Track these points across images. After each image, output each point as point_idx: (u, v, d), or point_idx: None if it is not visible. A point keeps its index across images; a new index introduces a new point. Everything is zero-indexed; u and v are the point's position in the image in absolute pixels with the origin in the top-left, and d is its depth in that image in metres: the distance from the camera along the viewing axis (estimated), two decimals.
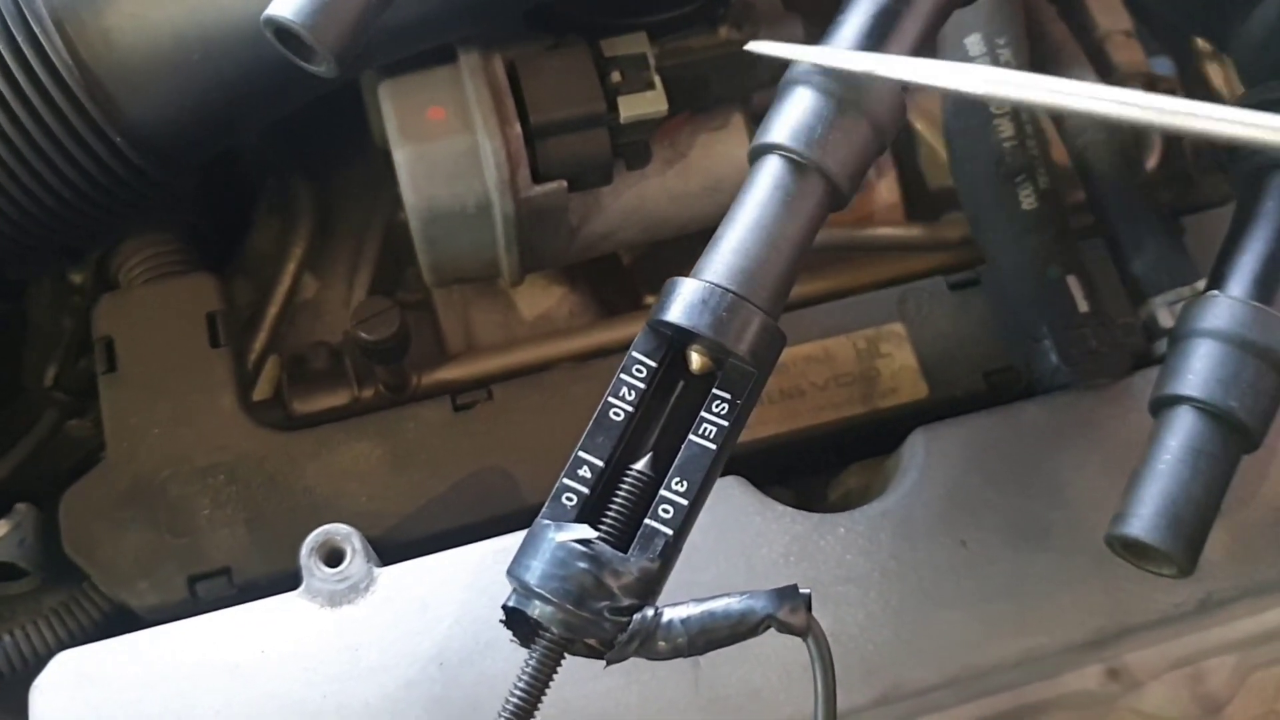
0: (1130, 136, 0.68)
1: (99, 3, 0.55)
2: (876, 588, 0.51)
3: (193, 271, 0.67)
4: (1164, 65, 0.83)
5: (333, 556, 0.52)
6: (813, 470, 0.65)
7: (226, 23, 0.54)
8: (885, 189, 0.78)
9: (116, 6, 0.55)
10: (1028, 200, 0.59)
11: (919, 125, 0.77)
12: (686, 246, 0.76)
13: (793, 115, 0.47)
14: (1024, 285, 0.58)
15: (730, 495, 0.54)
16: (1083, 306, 0.57)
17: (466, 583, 0.51)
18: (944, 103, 0.64)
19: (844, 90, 0.46)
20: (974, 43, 0.63)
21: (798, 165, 0.46)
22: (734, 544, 0.51)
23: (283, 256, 0.73)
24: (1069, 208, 0.63)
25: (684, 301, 0.44)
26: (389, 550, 0.55)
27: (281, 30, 0.45)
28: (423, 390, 0.67)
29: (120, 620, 0.58)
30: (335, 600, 0.51)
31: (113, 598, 0.58)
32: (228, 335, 0.64)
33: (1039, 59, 0.67)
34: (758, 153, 0.47)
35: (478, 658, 0.49)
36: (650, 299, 0.80)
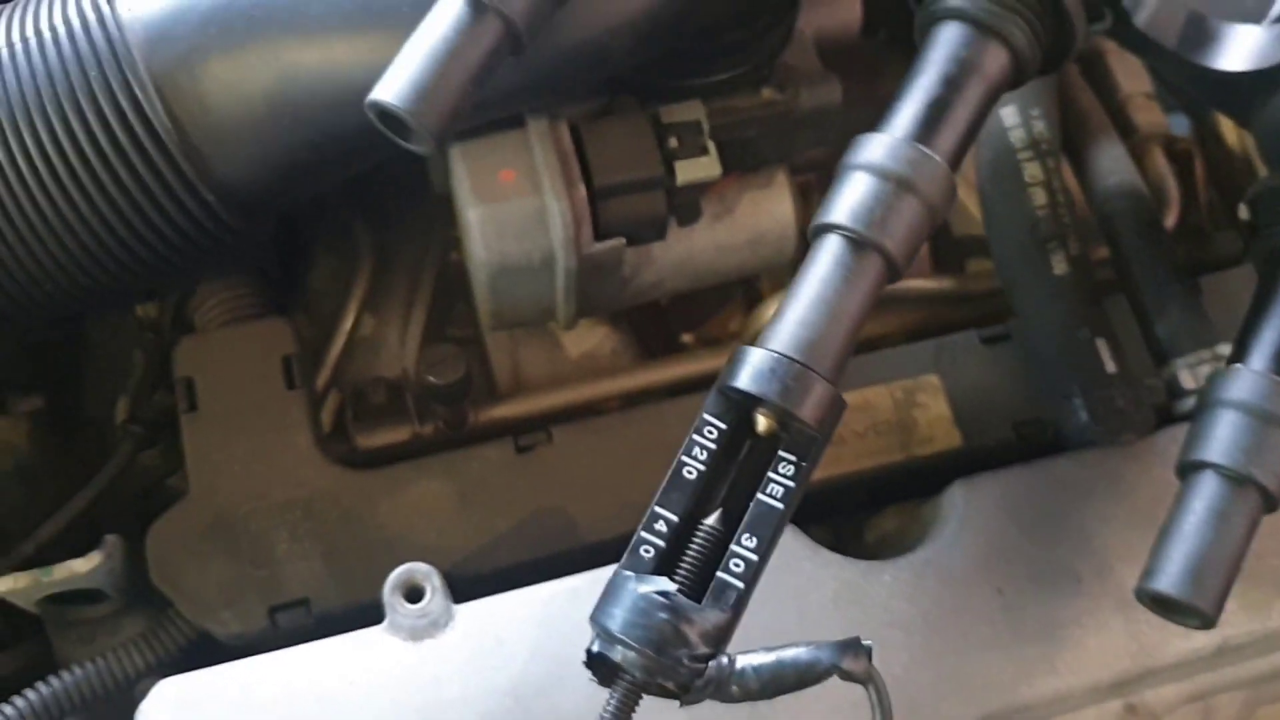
0: (1154, 201, 0.72)
1: (197, 69, 0.58)
2: (920, 632, 0.55)
3: (266, 315, 0.71)
4: (1180, 124, 0.87)
5: (414, 593, 0.56)
6: (850, 513, 0.69)
7: (317, 92, 0.58)
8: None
9: (213, 73, 0.59)
10: (1059, 266, 0.63)
11: None
12: (718, 288, 0.81)
13: (852, 196, 0.51)
14: (1055, 346, 0.62)
15: (782, 542, 0.58)
16: (1110, 368, 0.61)
17: (539, 620, 0.55)
18: (977, 164, 0.68)
19: (899, 173, 0.50)
20: (1009, 114, 0.67)
21: (857, 244, 0.50)
22: (787, 588, 0.55)
23: (343, 295, 0.77)
24: (1095, 265, 0.68)
25: (753, 369, 0.48)
26: (456, 584, 0.59)
27: (384, 113, 0.49)
28: (480, 427, 0.71)
29: (202, 647, 0.62)
30: (417, 635, 0.55)
31: (197, 626, 0.61)
32: (303, 377, 0.68)
33: (1068, 127, 0.71)
34: (819, 231, 0.51)
35: (551, 691, 0.52)
36: (686, 337, 0.84)
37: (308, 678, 0.54)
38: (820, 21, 0.78)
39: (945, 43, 0.53)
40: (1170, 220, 0.76)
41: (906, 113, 0.52)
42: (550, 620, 0.54)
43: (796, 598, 0.55)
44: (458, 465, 0.66)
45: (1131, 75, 0.80)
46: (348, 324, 0.76)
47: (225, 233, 0.62)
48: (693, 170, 0.65)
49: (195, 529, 0.63)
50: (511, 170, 0.63)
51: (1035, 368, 0.65)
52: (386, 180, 0.79)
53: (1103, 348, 0.61)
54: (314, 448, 0.66)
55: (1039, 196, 0.64)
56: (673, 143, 0.65)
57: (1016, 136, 0.66)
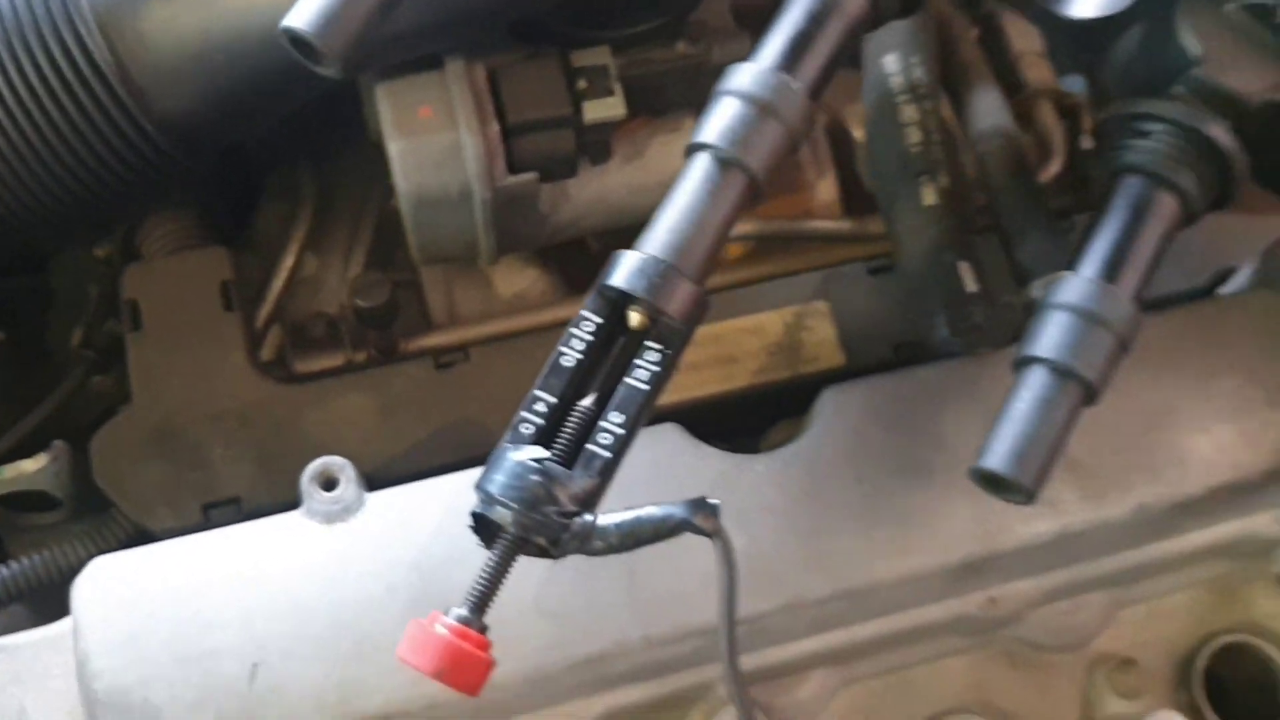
0: (1027, 144, 0.78)
1: (137, 7, 0.64)
2: (786, 515, 0.61)
3: (208, 245, 0.77)
4: (1075, 84, 0.93)
5: (329, 483, 0.62)
6: (747, 429, 0.75)
7: (246, 28, 0.64)
8: (824, 188, 0.88)
9: (152, 11, 0.64)
10: (929, 197, 0.69)
11: (856, 133, 0.87)
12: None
13: (720, 119, 0.57)
14: (923, 269, 0.68)
15: (667, 438, 0.64)
16: (971, 287, 0.67)
17: (443, 505, 0.60)
18: (864, 107, 0.74)
19: (763, 98, 0.56)
20: (890, 61, 0.73)
21: (723, 162, 0.56)
22: (669, 478, 0.61)
23: (286, 237, 0.83)
24: (975, 209, 0.74)
25: (626, 269, 0.54)
26: (378, 485, 0.65)
27: (295, 38, 0.54)
28: (409, 354, 0.77)
29: (142, 544, 0.68)
30: (330, 519, 0.60)
31: (137, 522, 0.67)
32: (238, 301, 0.74)
33: (949, 76, 0.77)
34: (691, 150, 0.57)
35: (451, 566, 0.58)
36: None
37: (229, 556, 0.59)
38: None
39: None
40: (1055, 168, 0.82)
41: (773, 45, 0.58)
42: (452, 507, 0.59)
43: (678, 486, 0.60)
44: (381, 381, 0.72)
45: (1023, 35, 0.86)
46: (289, 262, 0.82)
47: (166, 163, 0.67)
48: (599, 110, 0.71)
49: (137, 436, 0.69)
50: (429, 107, 0.69)
51: (906, 289, 0.71)
52: (331, 126, 0.84)
53: (965, 270, 0.67)
54: (248, 364, 0.71)
55: (913, 135, 0.70)
56: (581, 84, 0.71)
57: (896, 82, 0.72)
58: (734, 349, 0.74)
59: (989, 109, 0.75)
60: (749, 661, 0.67)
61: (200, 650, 0.56)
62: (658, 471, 0.61)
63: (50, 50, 0.64)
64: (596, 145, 0.74)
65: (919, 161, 0.70)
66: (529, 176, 0.71)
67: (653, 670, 0.63)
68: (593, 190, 0.77)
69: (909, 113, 0.71)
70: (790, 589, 0.61)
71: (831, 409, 0.65)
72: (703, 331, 0.70)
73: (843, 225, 0.82)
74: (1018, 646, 0.74)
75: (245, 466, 0.68)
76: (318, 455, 0.67)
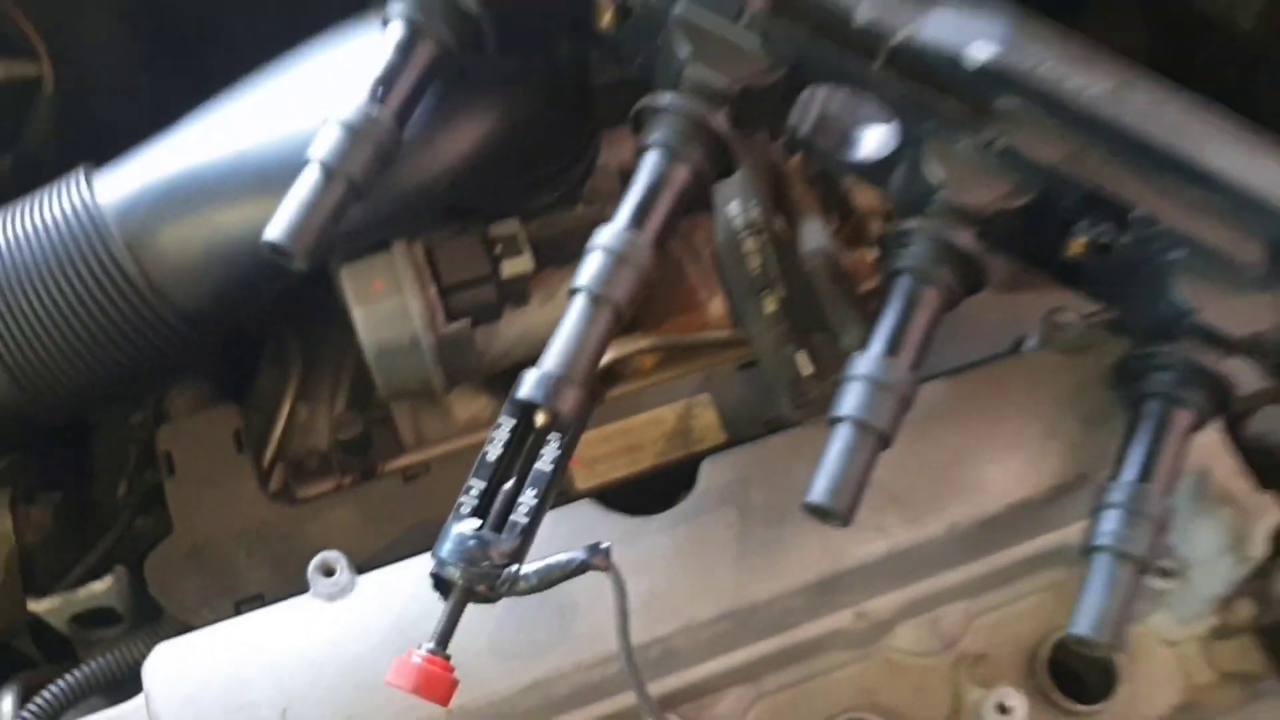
0: (861, 255, 0.99)
1: (155, 230, 0.86)
2: (677, 558, 0.80)
3: (220, 404, 0.97)
4: None
5: (329, 571, 0.80)
6: (654, 497, 0.94)
7: (238, 240, 0.85)
8: (714, 306, 1.09)
9: (167, 232, 0.86)
10: (770, 306, 0.89)
11: None
12: None
13: (589, 268, 0.77)
14: (770, 360, 0.89)
15: (584, 510, 0.83)
16: (806, 371, 0.87)
17: (413, 579, 0.79)
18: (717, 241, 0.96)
19: (619, 251, 0.77)
20: (734, 206, 0.94)
21: (594, 298, 0.76)
22: (586, 539, 0.79)
23: (281, 392, 1.03)
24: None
25: (529, 383, 0.74)
26: (365, 571, 0.83)
27: (273, 246, 0.76)
28: (385, 473, 0.97)
29: None
30: (332, 598, 0.79)
31: (185, 621, 0.86)
32: (248, 444, 0.94)
33: (787, 210, 0.99)
34: (572, 292, 0.78)
35: (422, 622, 0.76)
36: None
37: (259, 633, 0.78)
38: (621, 156, 1.06)
39: (648, 165, 0.80)
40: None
41: (624, 210, 0.79)
42: (420, 579, 0.78)
43: (586, 538, 0.79)
44: (363, 495, 0.92)
45: None
46: (285, 412, 1.02)
47: (185, 344, 0.88)
48: (513, 267, 0.93)
49: (179, 556, 0.89)
50: (380, 280, 0.90)
51: (763, 376, 0.91)
52: (312, 302, 1.06)
53: (801, 358, 0.88)
54: (259, 493, 0.91)
55: (754, 261, 0.91)
56: (499, 249, 0.93)
57: (738, 222, 0.93)
58: (639, 438, 0.94)
59: (813, 235, 0.96)
60: (671, 683, 0.85)
61: (243, 702, 0.74)
62: (577, 536, 0.79)
63: (90, 266, 0.85)
64: (515, 293, 0.95)
65: (759, 281, 0.91)
66: (463, 323, 0.92)
67: (590, 693, 0.81)
68: (518, 328, 0.98)
69: (749, 244, 0.92)
70: (684, 615, 0.79)
71: (710, 473, 0.85)
72: (614, 427, 0.92)
73: (724, 334, 1.03)
74: (895, 654, 0.92)
75: (264, 570, 0.88)
76: (317, 553, 0.87)
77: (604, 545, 0.71)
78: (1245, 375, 0.97)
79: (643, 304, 1.09)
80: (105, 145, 0.97)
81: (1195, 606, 0.93)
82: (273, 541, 0.89)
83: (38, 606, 0.88)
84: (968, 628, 0.93)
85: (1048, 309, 0.93)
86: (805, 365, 0.88)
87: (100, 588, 0.87)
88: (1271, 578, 0.95)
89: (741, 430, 0.93)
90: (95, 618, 0.91)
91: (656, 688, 0.84)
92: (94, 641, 0.92)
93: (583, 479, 0.92)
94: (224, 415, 0.95)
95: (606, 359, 1.01)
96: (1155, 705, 0.94)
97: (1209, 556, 0.89)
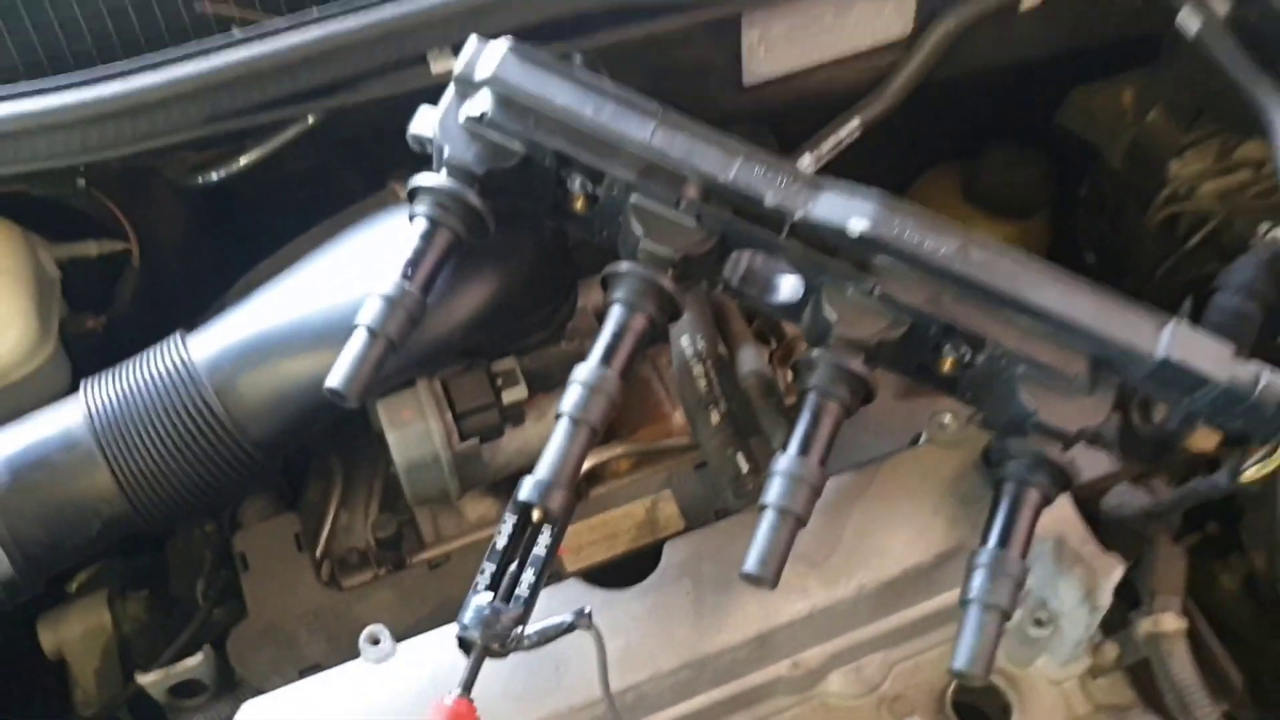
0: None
1: (237, 380, 1.10)
2: (646, 621, 1.03)
3: (283, 513, 1.21)
4: None
5: (375, 640, 1.03)
6: (630, 575, 1.17)
7: (303, 384, 1.09)
8: (677, 416, 1.33)
9: (246, 382, 1.10)
10: (714, 418, 1.14)
11: None
12: None
13: (570, 397, 1.01)
14: (716, 461, 1.13)
15: (573, 586, 1.07)
16: (745, 469, 1.11)
17: (441, 644, 1.02)
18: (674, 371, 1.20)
19: (592, 383, 1.01)
20: (685, 340, 1.19)
21: (574, 420, 1.00)
22: (572, 607, 1.03)
23: (327, 502, 1.27)
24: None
25: (527, 487, 0.97)
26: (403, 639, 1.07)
27: (332, 391, 1.00)
28: (413, 564, 1.20)
29: None
30: (379, 661, 1.02)
31: (259, 687, 1.08)
32: (306, 544, 1.17)
33: (728, 341, 1.24)
34: (558, 415, 1.01)
35: (450, 677, 0.98)
36: None
37: (324, 690, 1.00)
38: (595, 300, 1.32)
39: (613, 317, 1.05)
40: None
41: (596, 351, 1.04)
42: (447, 644, 1.00)
43: (574, 608, 1.02)
44: (398, 581, 1.15)
45: None
46: (330, 517, 1.26)
47: (257, 467, 1.12)
48: (512, 395, 1.17)
49: (253, 634, 1.11)
50: (409, 410, 1.15)
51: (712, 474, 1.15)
52: (349, 428, 1.30)
53: (740, 459, 1.12)
54: (316, 583, 1.15)
55: (701, 383, 1.16)
56: (500, 381, 1.18)
57: (688, 352, 1.18)
58: (615, 529, 1.18)
59: (748, 359, 1.21)
60: None
61: None
62: (567, 606, 1.02)
63: (189, 409, 1.09)
64: (514, 416, 1.20)
65: (706, 398, 1.16)
66: (473, 442, 1.16)
67: None
68: (517, 443, 1.22)
69: (697, 370, 1.17)
70: (652, 665, 1.02)
71: (671, 554, 1.08)
72: (595, 520, 1.15)
73: (683, 441, 1.27)
74: (829, 699, 1.14)
75: (321, 644, 1.11)
76: (364, 628, 1.10)
77: (586, 610, 0.94)
78: (1095, 461, 1.22)
79: (619, 417, 1.35)
80: (178, 302, 1.23)
81: (1069, 650, 1.15)
82: (327, 621, 1.12)
83: (144, 679, 1.10)
84: (888, 674, 1.16)
85: (933, 412, 1.17)
86: (744, 464, 1.12)
87: (194, 663, 1.10)
88: (1132, 625, 1.18)
89: (697, 518, 1.17)
90: (186, 689, 1.13)
91: None
92: (184, 709, 1.14)
93: (571, 563, 1.16)
94: (286, 522, 1.19)
95: (589, 464, 1.26)
96: None
97: (1071, 608, 1.12)
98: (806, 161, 1.43)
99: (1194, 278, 1.36)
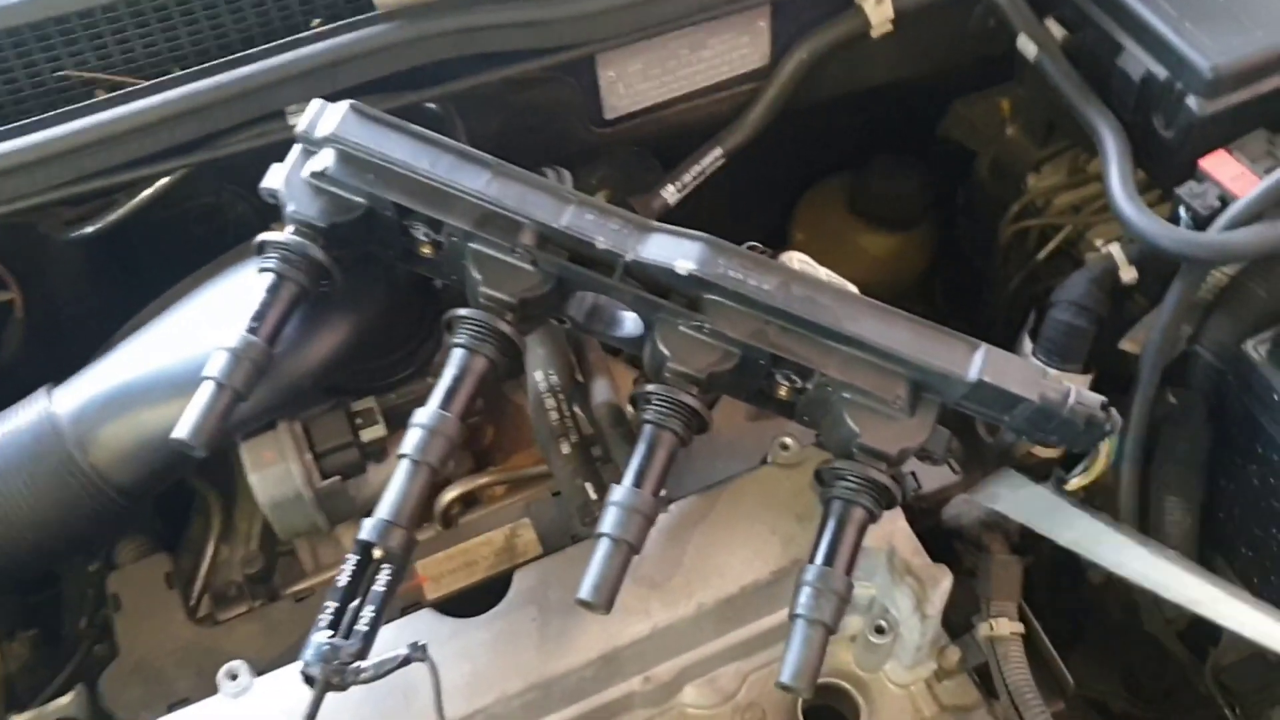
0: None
1: (99, 431, 1.14)
2: (494, 646, 1.08)
3: (155, 553, 1.26)
4: None
5: (234, 676, 1.08)
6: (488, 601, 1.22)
7: (162, 436, 1.12)
8: None
9: (108, 431, 1.14)
10: (566, 448, 1.19)
11: None
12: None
13: (411, 439, 1.06)
14: (566, 488, 1.18)
15: (423, 617, 1.12)
16: (593, 497, 1.16)
17: (293, 679, 1.06)
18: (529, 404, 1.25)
19: (432, 426, 1.06)
20: (539, 375, 1.24)
21: (414, 463, 1.05)
22: (423, 637, 1.08)
23: (205, 538, 1.32)
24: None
25: (367, 527, 1.02)
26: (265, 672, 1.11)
27: (179, 442, 1.04)
28: (284, 597, 1.25)
29: None
30: (237, 696, 1.07)
31: None
32: (177, 583, 1.22)
33: (584, 372, 1.29)
34: (399, 456, 1.06)
35: (303, 709, 1.04)
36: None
37: None
38: None
39: (454, 360, 1.10)
40: None
41: (436, 393, 1.08)
42: (296, 678, 1.05)
43: (430, 640, 1.07)
44: (264, 615, 1.20)
45: None
46: (209, 553, 1.31)
47: (123, 511, 1.16)
48: (371, 433, 1.22)
49: (125, 672, 1.16)
50: (270, 451, 1.19)
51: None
52: (230, 467, 1.35)
53: (589, 487, 1.17)
54: (186, 619, 1.19)
55: (554, 415, 1.21)
56: (359, 420, 1.23)
57: (542, 386, 1.23)
58: (474, 556, 1.23)
59: (600, 391, 1.26)
60: None
61: None
62: (418, 635, 1.07)
63: (51, 460, 1.13)
64: (375, 452, 1.24)
65: (558, 429, 1.21)
66: (335, 480, 1.21)
67: None
68: (381, 477, 1.26)
69: (550, 403, 1.22)
70: (498, 688, 1.07)
71: (520, 580, 1.13)
72: (453, 551, 1.20)
73: (543, 469, 1.32)
74: (686, 709, 1.20)
75: (191, 679, 1.15)
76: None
77: (421, 643, 0.99)
78: (935, 473, 1.27)
79: (492, 443, 1.40)
80: (68, 353, 1.26)
81: (911, 654, 1.21)
82: (197, 656, 1.17)
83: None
84: (742, 683, 1.21)
85: (775, 435, 1.22)
86: (592, 492, 1.17)
87: (65, 701, 1.14)
88: (972, 630, 1.24)
89: (555, 545, 1.22)
90: None
91: None
92: None
93: (431, 590, 1.21)
94: (157, 562, 1.24)
95: (458, 491, 1.31)
96: None
97: (907, 616, 1.17)
98: (670, 191, 1.48)
99: (1047, 289, 1.42)
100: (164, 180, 1.29)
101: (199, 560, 1.30)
